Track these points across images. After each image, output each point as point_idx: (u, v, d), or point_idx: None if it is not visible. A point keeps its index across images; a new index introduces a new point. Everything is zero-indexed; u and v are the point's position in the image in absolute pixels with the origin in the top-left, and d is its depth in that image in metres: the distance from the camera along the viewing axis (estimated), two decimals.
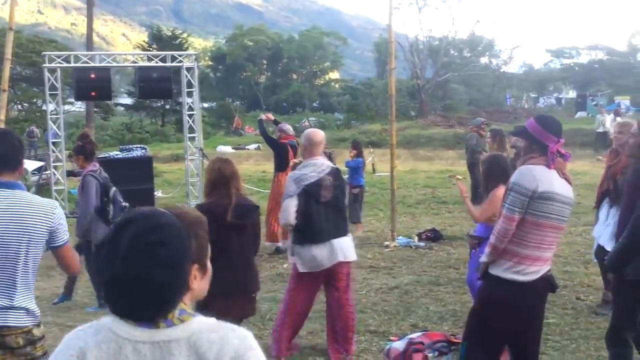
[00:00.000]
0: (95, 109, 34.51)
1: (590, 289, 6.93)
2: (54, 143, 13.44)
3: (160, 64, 13.98)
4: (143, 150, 14.74)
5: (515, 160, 6.20)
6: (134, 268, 1.40)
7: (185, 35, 48.16)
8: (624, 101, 39.45)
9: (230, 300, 4.11)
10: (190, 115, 14.33)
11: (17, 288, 2.96)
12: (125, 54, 20.31)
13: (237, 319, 4.51)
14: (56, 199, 11.05)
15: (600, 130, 23.51)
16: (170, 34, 46.63)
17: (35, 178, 14.50)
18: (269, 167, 12.41)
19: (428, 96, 44.96)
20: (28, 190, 3.34)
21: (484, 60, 56.50)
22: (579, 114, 39.06)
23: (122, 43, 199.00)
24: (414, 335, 5.21)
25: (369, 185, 14.15)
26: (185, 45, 44.83)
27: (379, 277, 7.78)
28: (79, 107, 37.37)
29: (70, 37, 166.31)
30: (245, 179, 13.68)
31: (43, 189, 13.41)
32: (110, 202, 6.88)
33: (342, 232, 5.08)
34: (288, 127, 9.76)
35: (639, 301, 4.09)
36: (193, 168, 14.37)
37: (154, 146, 29.46)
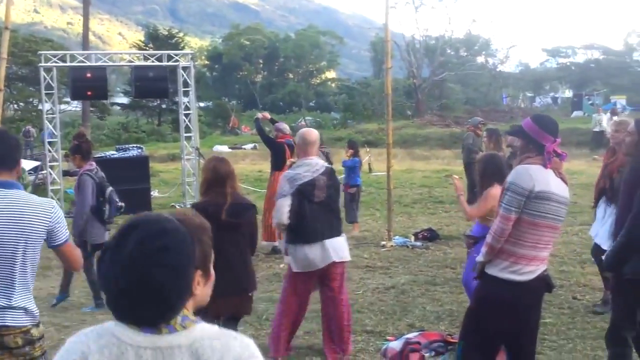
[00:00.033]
0: (92, 109, 34.48)
1: (586, 289, 6.94)
2: (50, 143, 13.39)
3: (157, 63, 13.96)
4: (139, 150, 14.74)
5: (511, 159, 6.19)
6: (138, 273, 1.40)
7: (181, 34, 48.04)
8: (620, 100, 39.46)
9: (226, 299, 4.09)
10: (186, 115, 14.30)
11: (16, 288, 2.96)
12: (121, 53, 20.24)
13: (233, 317, 4.51)
14: (52, 199, 11.01)
15: (597, 129, 23.56)
16: (166, 33, 46.48)
17: (31, 178, 14.47)
18: (266, 166, 12.39)
19: (424, 95, 45.03)
20: (25, 189, 3.33)
21: (480, 59, 56.46)
22: (575, 114, 39.15)
23: (119, 42, 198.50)
24: (410, 335, 5.21)
25: (366, 184, 14.15)
26: (182, 45, 44.64)
27: (375, 277, 7.78)
28: (75, 106, 37.37)
29: (66, 36, 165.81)
30: (241, 179, 13.69)
31: (39, 189, 13.37)
32: (106, 202, 6.88)
33: (336, 232, 5.07)
34: (285, 126, 9.78)
35: (639, 300, 4.08)
36: (189, 167, 14.35)
37: (150, 146, 29.40)
